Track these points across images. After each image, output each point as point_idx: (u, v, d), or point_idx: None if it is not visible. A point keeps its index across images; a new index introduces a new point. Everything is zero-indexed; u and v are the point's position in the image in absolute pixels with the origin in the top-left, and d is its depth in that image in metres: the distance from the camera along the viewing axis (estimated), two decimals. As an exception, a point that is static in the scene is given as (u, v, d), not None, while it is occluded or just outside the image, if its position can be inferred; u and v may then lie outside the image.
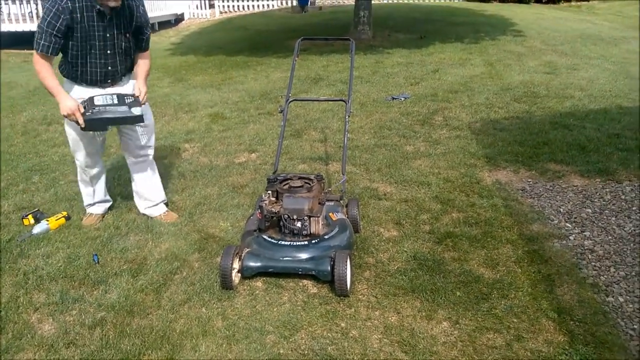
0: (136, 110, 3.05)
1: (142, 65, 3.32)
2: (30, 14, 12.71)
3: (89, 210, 3.65)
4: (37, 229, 3.47)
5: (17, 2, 12.70)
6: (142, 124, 3.24)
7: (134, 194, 3.68)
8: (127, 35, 3.12)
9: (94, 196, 3.61)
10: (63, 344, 2.45)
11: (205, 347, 2.40)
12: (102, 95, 3.05)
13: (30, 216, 3.61)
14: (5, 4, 12.62)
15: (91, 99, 3.01)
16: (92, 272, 3.00)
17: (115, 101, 3.03)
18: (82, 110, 2.98)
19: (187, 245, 3.27)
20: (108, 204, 3.74)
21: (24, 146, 5.36)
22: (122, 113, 3.02)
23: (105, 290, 2.84)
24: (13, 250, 3.27)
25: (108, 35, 3.04)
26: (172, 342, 2.43)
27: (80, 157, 3.41)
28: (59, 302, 2.75)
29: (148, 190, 3.60)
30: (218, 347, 2.40)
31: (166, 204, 3.73)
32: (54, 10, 2.86)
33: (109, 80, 3.19)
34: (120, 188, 4.17)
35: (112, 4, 2.93)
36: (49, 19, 2.88)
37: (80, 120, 2.97)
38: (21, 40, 12.84)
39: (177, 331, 2.50)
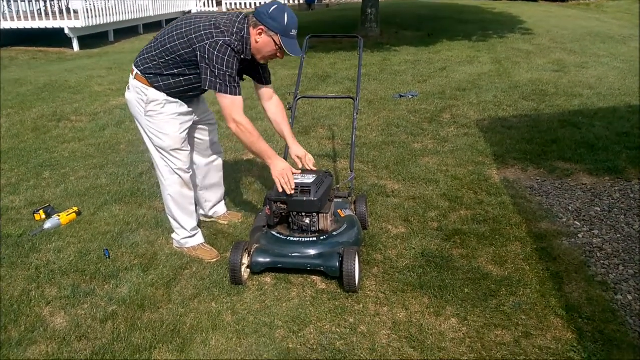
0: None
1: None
2: (39, 11, 12.78)
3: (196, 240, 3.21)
4: (49, 224, 3.51)
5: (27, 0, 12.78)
6: (211, 121, 3.24)
7: (201, 196, 3.43)
8: None
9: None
10: (75, 337, 2.48)
11: (215, 341, 2.42)
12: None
13: (41, 211, 3.64)
14: (15, 1, 12.69)
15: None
16: (103, 267, 3.03)
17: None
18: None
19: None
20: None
21: (34, 142, 5.41)
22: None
23: (116, 285, 2.87)
24: (25, 244, 3.30)
25: None
26: (182, 336, 2.46)
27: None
28: (71, 296, 2.78)
29: (218, 189, 3.49)
30: (228, 341, 2.42)
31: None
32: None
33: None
34: (130, 184, 4.21)
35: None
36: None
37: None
38: (30, 38, 12.95)
39: (187, 325, 2.53)
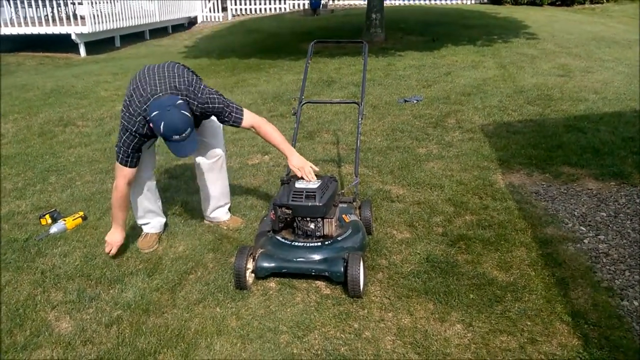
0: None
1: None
2: (46, 17, 12.88)
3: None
4: (54, 228, 3.53)
5: (34, 5, 12.88)
6: (214, 123, 3.27)
7: (203, 199, 3.53)
8: None
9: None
10: (80, 341, 2.49)
11: (220, 346, 2.42)
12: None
13: (47, 216, 3.66)
14: (23, 7, 12.80)
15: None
16: (109, 271, 3.04)
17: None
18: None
19: (201, 245, 3.31)
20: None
21: (40, 147, 5.44)
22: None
23: (121, 289, 2.87)
24: (31, 249, 3.32)
25: None
26: (187, 340, 2.46)
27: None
28: (76, 300, 2.79)
29: (220, 191, 3.51)
30: (232, 346, 2.42)
31: (229, 208, 3.65)
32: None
33: None
34: (135, 189, 4.22)
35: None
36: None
37: None
38: (37, 43, 13.05)
39: (192, 330, 2.53)
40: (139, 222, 3.40)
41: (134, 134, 2.86)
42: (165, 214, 3.58)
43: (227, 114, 2.98)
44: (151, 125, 2.75)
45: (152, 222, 3.40)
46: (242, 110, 3.02)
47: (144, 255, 3.21)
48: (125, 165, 2.95)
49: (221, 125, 3.34)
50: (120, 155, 2.93)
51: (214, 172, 3.42)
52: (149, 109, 2.76)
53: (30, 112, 6.80)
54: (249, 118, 3.04)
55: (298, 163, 3.05)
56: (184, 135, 2.72)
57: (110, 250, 3.16)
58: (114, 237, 3.16)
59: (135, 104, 2.84)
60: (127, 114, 2.86)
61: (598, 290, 2.73)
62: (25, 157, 5.14)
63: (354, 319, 2.58)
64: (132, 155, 2.93)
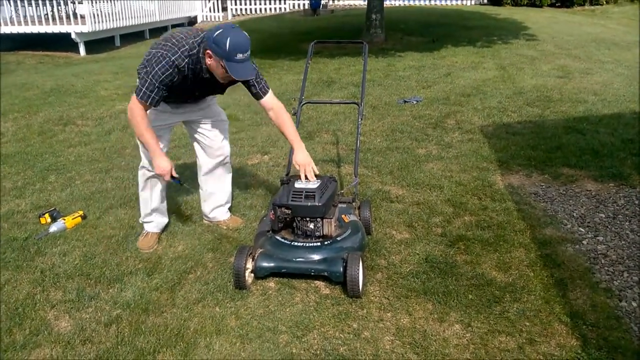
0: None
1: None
2: (46, 16, 12.88)
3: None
4: (54, 227, 3.53)
5: (34, 4, 12.88)
6: (216, 120, 3.28)
7: (202, 199, 3.54)
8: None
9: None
10: (79, 340, 2.49)
11: (219, 345, 2.42)
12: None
13: (47, 215, 3.67)
14: (22, 6, 12.80)
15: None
16: (108, 271, 3.05)
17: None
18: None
19: (201, 245, 3.31)
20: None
21: (40, 146, 5.44)
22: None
23: (120, 289, 2.88)
24: (30, 248, 3.33)
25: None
26: (186, 340, 2.46)
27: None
28: (75, 299, 2.79)
29: (222, 191, 3.51)
30: (231, 345, 2.42)
31: (229, 208, 3.66)
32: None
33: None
34: (135, 188, 4.22)
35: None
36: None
37: None
38: (37, 42, 13.04)
39: (191, 329, 2.53)
40: (143, 219, 3.39)
41: (170, 63, 2.72)
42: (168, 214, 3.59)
43: (258, 78, 3.00)
44: (208, 51, 2.68)
45: (156, 221, 3.40)
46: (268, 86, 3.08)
47: (144, 255, 3.21)
48: (146, 102, 2.77)
49: (227, 123, 3.38)
50: (144, 89, 2.74)
51: (219, 171, 3.44)
52: (206, 35, 2.73)
53: (30, 111, 6.80)
54: (273, 96, 3.09)
55: (302, 160, 3.04)
56: (247, 54, 2.69)
57: (168, 178, 2.94)
58: (163, 164, 2.91)
59: (180, 36, 2.77)
60: (167, 45, 2.75)
61: (596, 291, 2.73)
62: (24, 156, 5.14)
63: (353, 319, 2.59)
64: (157, 91, 2.76)
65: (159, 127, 3.07)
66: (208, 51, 2.71)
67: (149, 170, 3.19)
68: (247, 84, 2.98)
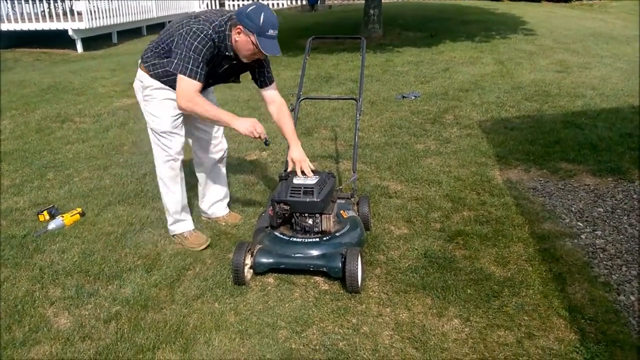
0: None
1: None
2: (42, 13, 12.83)
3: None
4: (53, 224, 3.52)
5: (30, 1, 12.83)
6: None
7: (201, 194, 3.53)
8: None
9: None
10: (79, 337, 2.49)
11: (219, 341, 2.43)
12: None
13: (45, 212, 3.66)
14: (19, 2, 12.75)
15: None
16: (107, 267, 3.05)
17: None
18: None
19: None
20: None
21: (38, 143, 5.43)
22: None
23: (119, 285, 2.88)
24: (29, 245, 3.32)
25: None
26: (185, 336, 2.47)
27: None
28: (75, 296, 2.79)
29: (221, 186, 3.52)
30: (231, 341, 2.43)
31: (227, 204, 3.64)
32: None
33: None
34: (133, 185, 4.22)
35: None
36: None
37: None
38: (34, 39, 12.99)
39: (190, 325, 2.54)
40: (175, 219, 3.27)
41: (208, 36, 2.71)
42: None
43: (269, 66, 3.08)
44: (239, 26, 2.69)
45: (188, 218, 3.34)
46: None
47: (142, 251, 3.21)
48: (195, 78, 2.73)
49: None
50: (190, 67, 2.69)
51: (217, 166, 3.44)
52: (238, 11, 2.75)
53: (28, 109, 6.78)
54: (277, 91, 3.14)
55: (297, 156, 3.05)
56: (277, 31, 2.74)
57: (260, 132, 2.83)
58: (248, 122, 2.81)
59: (209, 14, 2.80)
60: (199, 20, 2.75)
61: (595, 286, 2.74)
62: (22, 153, 5.13)
63: (352, 314, 2.59)
64: (202, 65, 2.73)
65: (178, 122, 3.07)
66: (239, 27, 2.72)
67: (175, 160, 3.12)
68: (261, 68, 3.03)
